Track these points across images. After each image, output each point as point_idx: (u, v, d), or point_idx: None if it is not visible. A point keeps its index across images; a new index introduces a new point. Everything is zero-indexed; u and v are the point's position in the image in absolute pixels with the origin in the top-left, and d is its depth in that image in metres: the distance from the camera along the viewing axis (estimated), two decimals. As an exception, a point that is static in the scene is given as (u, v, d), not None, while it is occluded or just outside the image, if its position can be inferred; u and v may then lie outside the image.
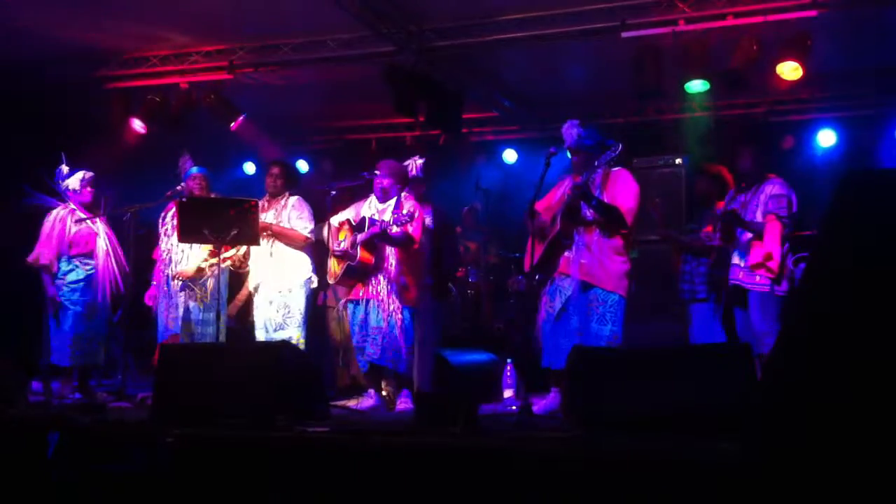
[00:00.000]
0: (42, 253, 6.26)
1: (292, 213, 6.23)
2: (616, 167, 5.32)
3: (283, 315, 6.16)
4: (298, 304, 6.19)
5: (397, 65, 7.22)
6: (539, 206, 5.31)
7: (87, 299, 6.28)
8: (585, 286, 5.18)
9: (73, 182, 6.42)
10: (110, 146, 7.73)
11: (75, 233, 6.33)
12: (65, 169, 6.45)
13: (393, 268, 5.76)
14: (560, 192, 5.46)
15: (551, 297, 5.32)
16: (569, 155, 5.46)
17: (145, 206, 6.50)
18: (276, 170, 6.41)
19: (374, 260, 5.74)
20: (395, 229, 5.55)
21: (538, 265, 5.31)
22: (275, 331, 6.14)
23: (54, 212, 6.40)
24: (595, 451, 3.23)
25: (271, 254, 6.22)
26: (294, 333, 6.13)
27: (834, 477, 1.98)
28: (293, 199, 6.33)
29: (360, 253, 5.70)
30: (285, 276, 6.20)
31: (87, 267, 6.33)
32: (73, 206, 6.41)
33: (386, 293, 5.72)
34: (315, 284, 6.30)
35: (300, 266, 6.25)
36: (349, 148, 9.82)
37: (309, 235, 6.22)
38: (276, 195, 6.34)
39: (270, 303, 6.20)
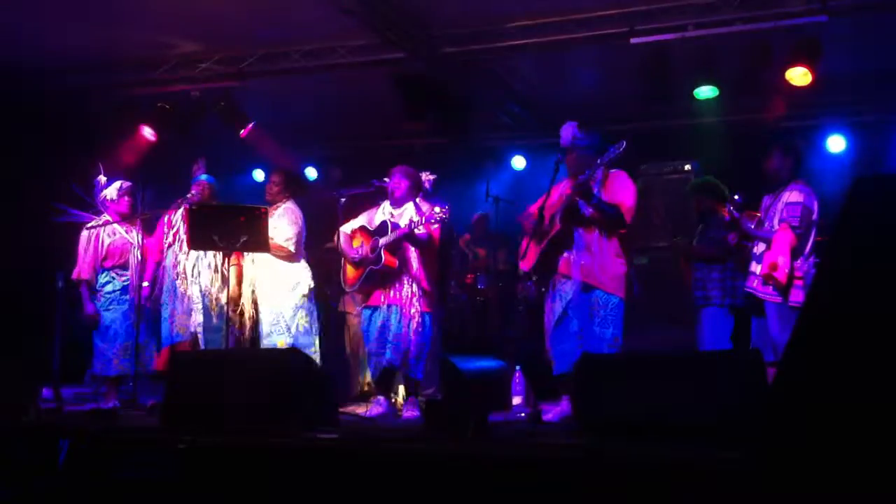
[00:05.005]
0: (82, 270, 6.25)
1: (276, 222, 6.15)
2: (615, 169, 5.28)
3: (271, 322, 6.15)
4: (286, 312, 6.14)
5: (407, 71, 7.24)
6: (534, 207, 5.31)
7: (123, 309, 6.27)
8: (586, 288, 5.15)
9: (111, 192, 6.37)
10: (121, 153, 7.75)
11: (109, 245, 6.28)
12: (102, 179, 6.41)
13: (417, 271, 5.75)
14: (558, 192, 5.41)
15: (553, 302, 5.31)
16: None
17: (155, 213, 6.50)
18: (274, 177, 6.44)
19: (397, 263, 5.71)
20: (421, 230, 5.53)
21: (538, 265, 5.30)
22: (265, 337, 6.13)
23: (88, 225, 6.35)
24: (604, 459, 3.22)
25: (252, 261, 6.21)
26: (278, 340, 6.07)
27: (836, 483, 1.97)
28: (281, 208, 6.27)
29: (385, 257, 5.67)
30: (272, 283, 6.18)
31: (123, 278, 6.30)
32: (107, 217, 6.33)
33: (410, 297, 5.69)
34: (306, 291, 6.22)
35: (288, 273, 6.20)
36: (358, 155, 9.82)
37: (284, 244, 6.10)
38: (272, 203, 6.31)
39: (264, 310, 6.20)
